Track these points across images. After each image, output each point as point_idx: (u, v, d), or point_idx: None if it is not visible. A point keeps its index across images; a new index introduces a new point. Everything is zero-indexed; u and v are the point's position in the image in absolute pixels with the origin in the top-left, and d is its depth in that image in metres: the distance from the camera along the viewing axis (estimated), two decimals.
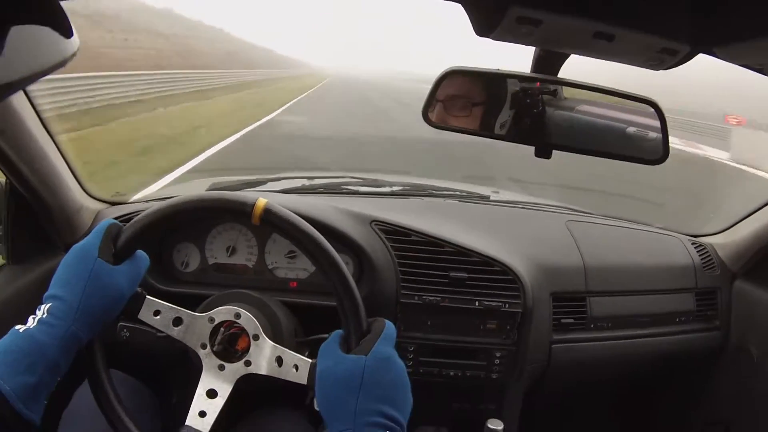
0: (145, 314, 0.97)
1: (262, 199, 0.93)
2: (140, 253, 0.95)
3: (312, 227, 0.94)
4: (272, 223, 0.93)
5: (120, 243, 0.92)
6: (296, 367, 0.96)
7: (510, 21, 0.74)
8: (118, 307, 0.91)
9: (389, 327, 0.91)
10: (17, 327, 0.82)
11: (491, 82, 1.07)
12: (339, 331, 0.93)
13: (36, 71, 0.44)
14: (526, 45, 0.85)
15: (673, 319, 1.71)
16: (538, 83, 1.00)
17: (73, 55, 0.48)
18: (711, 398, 1.87)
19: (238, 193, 0.98)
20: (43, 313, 0.83)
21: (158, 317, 0.97)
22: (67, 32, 0.48)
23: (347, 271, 0.93)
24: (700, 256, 1.80)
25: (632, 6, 0.72)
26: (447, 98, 1.07)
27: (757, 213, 1.75)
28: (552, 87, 1.01)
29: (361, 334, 0.91)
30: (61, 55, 0.46)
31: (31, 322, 0.83)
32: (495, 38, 0.80)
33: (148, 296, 0.98)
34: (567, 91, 1.03)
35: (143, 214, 0.95)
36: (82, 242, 0.91)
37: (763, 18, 0.66)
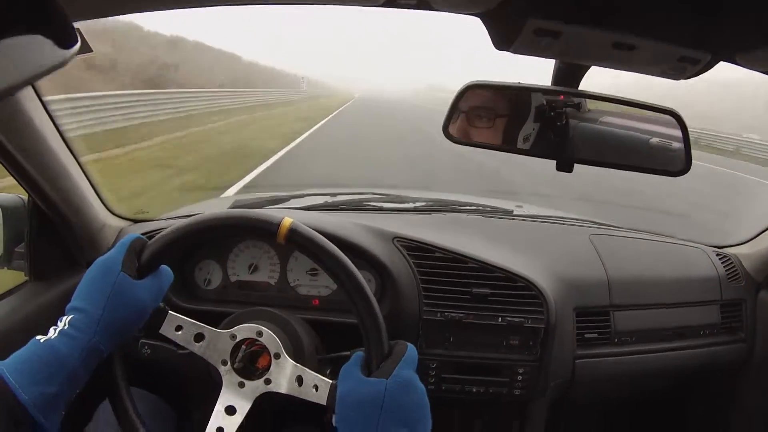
0: (166, 329, 0.97)
1: (287, 219, 0.93)
2: (164, 268, 0.96)
3: (336, 248, 0.94)
4: (297, 242, 0.94)
5: (144, 258, 0.93)
6: (316, 387, 0.95)
7: (529, 33, 0.74)
8: (140, 322, 0.91)
9: (411, 350, 0.91)
10: (38, 337, 0.83)
11: (514, 95, 1.07)
12: (360, 353, 0.93)
13: (36, 72, 0.45)
14: (545, 57, 0.85)
15: (698, 332, 1.69)
16: (562, 96, 1.00)
17: (74, 55, 0.49)
18: (736, 411, 1.83)
19: (263, 211, 0.99)
20: (65, 325, 0.84)
21: (180, 332, 0.97)
22: (69, 34, 0.49)
23: (371, 293, 0.93)
24: (724, 267, 1.77)
25: (651, 15, 0.72)
26: (470, 109, 1.07)
27: None
28: (576, 100, 1.01)
29: (383, 357, 0.90)
30: (61, 56, 0.47)
31: (53, 333, 0.83)
32: (514, 51, 0.80)
33: (170, 312, 0.98)
34: (591, 103, 1.03)
35: (168, 230, 0.96)
36: (105, 256, 0.91)
37: None
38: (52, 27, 0.46)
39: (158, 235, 0.96)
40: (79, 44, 0.51)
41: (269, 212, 0.98)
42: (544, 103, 1.04)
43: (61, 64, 0.48)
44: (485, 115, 1.08)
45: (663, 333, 1.65)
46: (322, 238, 0.94)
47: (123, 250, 0.91)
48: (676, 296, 1.68)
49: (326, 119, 22.52)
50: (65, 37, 0.48)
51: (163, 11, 0.89)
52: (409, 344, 0.92)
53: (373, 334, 0.92)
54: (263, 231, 0.95)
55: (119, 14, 0.90)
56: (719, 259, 1.79)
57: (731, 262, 1.79)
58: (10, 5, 0.41)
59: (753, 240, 1.85)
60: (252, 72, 50.21)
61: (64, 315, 0.86)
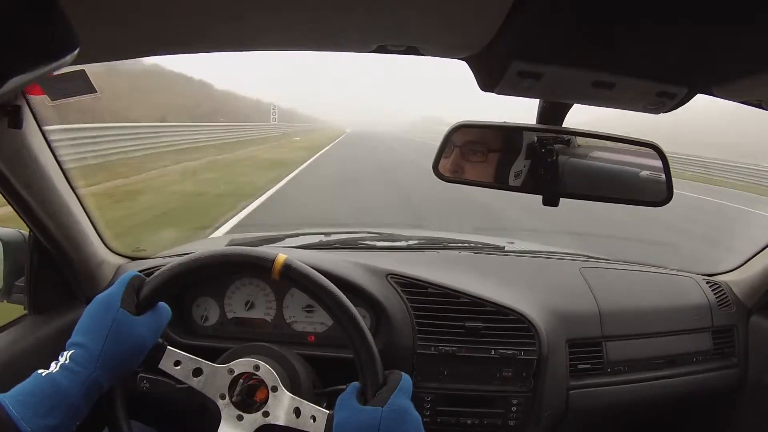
0: (165, 364, 0.99)
1: (282, 255, 0.97)
2: (162, 305, 0.98)
3: (330, 282, 0.97)
4: (291, 278, 0.97)
5: (143, 294, 0.95)
6: (314, 418, 0.96)
7: (512, 76, 0.77)
8: (140, 357, 0.93)
9: (405, 379, 0.93)
10: (40, 371, 0.84)
11: (504, 132, 1.11)
12: (356, 384, 0.95)
13: (36, 74, 0.47)
14: (529, 98, 0.89)
15: (690, 359, 1.70)
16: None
17: (73, 57, 0.51)
18: None
19: (258, 248, 1.02)
20: (66, 360, 0.85)
21: (178, 367, 0.99)
22: (68, 37, 0.51)
23: (364, 325, 0.96)
24: (715, 294, 1.79)
25: (628, 54, 0.75)
26: (464, 144, 1.11)
27: None
28: (566, 136, 1.05)
29: (378, 387, 0.92)
30: (59, 59, 0.49)
31: (54, 367, 0.85)
32: (499, 92, 0.84)
33: (169, 347, 1.00)
34: (580, 139, 1.07)
35: (166, 267, 0.98)
36: (105, 292, 0.94)
37: (757, 54, 0.69)
38: (51, 29, 0.49)
39: (156, 273, 0.98)
40: (77, 50, 0.53)
41: (265, 249, 1.01)
42: (535, 140, 1.07)
43: (59, 67, 0.50)
44: (479, 150, 1.11)
45: (656, 362, 1.66)
46: (316, 273, 0.97)
47: (122, 287, 0.94)
48: (667, 325, 1.69)
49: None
50: (64, 40, 0.50)
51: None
52: (403, 374, 0.94)
53: (368, 365, 0.94)
54: (258, 267, 0.99)
55: (126, 58, 0.94)
56: (709, 286, 1.81)
57: (721, 290, 1.82)
58: (10, 6, 0.43)
59: (742, 267, 1.87)
60: (222, 102, 41.98)
61: (62, 349, 0.88)
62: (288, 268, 0.96)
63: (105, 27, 0.72)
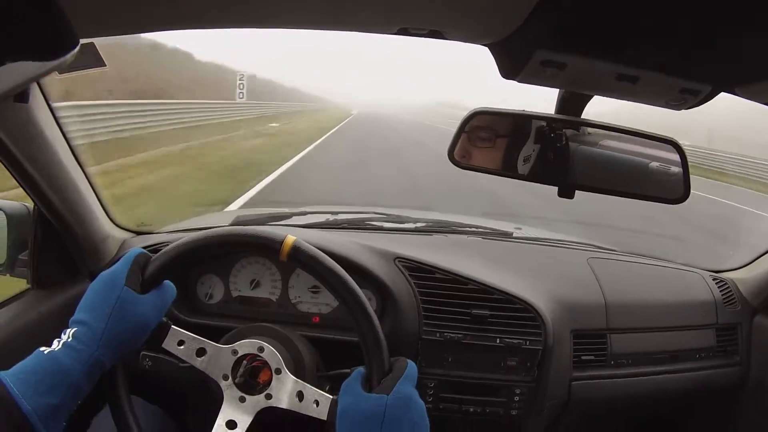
0: (169, 344, 0.98)
1: (290, 237, 0.95)
2: (167, 283, 0.97)
3: (338, 266, 0.96)
4: (299, 260, 0.96)
5: (148, 273, 0.94)
6: (317, 402, 0.96)
7: (535, 64, 0.76)
8: (143, 336, 0.92)
9: (411, 367, 0.92)
10: (42, 349, 0.84)
11: (518, 119, 1.09)
12: (360, 369, 0.94)
13: (36, 74, 0.46)
14: (550, 87, 0.87)
15: (693, 356, 1.70)
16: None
17: (73, 56, 0.50)
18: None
19: (266, 229, 1.00)
20: (69, 337, 0.85)
21: (182, 347, 0.98)
22: (68, 35, 0.49)
23: (372, 311, 0.95)
24: (721, 291, 1.79)
25: (654, 48, 0.73)
26: (472, 129, 1.09)
27: None
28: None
29: (384, 373, 0.92)
30: (60, 58, 0.48)
31: (56, 344, 0.84)
32: (521, 81, 0.82)
33: (173, 326, 0.99)
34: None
35: (172, 245, 0.97)
36: (110, 270, 0.93)
37: None
38: (51, 28, 0.47)
39: (162, 251, 0.97)
40: (78, 47, 0.52)
41: (272, 230, 1.00)
42: (545, 124, 1.06)
43: (60, 65, 0.49)
44: (486, 136, 1.10)
45: (659, 356, 1.66)
46: (324, 256, 0.96)
47: (127, 264, 0.93)
48: (672, 320, 1.69)
49: None
50: (64, 39, 0.49)
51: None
52: (409, 361, 0.94)
53: (374, 351, 0.94)
54: (266, 248, 0.98)
55: (127, 33, 0.91)
56: (716, 283, 1.81)
57: (727, 287, 1.81)
58: (10, 6, 0.42)
59: (749, 265, 1.87)
60: (211, 74, 33.50)
61: (65, 324, 0.87)
62: (296, 251, 0.95)
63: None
